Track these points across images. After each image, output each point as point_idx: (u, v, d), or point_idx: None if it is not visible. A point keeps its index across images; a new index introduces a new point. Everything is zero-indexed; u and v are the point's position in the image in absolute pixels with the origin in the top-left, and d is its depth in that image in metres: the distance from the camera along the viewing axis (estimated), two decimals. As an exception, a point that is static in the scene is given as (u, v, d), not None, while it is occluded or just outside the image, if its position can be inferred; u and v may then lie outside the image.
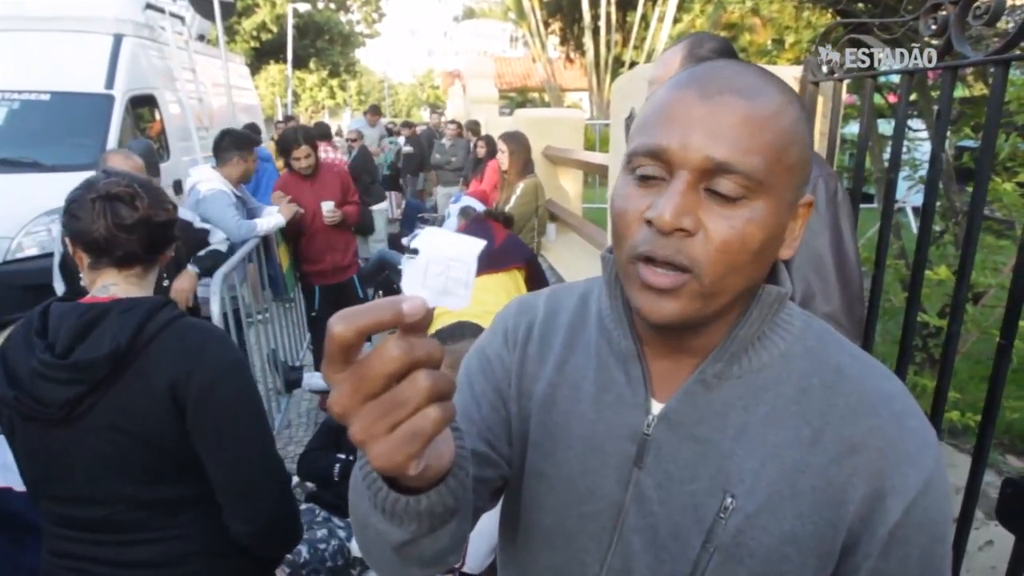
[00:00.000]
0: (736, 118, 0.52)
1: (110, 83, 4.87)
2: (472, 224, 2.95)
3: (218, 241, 2.92)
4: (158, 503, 1.11)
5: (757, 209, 0.53)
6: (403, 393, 0.37)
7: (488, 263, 2.55)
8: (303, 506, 2.13)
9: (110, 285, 1.14)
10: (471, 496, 0.56)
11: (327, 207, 3.59)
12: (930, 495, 0.56)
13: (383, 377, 0.37)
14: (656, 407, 0.62)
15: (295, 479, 2.43)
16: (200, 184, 3.17)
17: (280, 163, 7.10)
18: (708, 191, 0.53)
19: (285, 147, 3.58)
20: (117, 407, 1.05)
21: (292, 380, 3.52)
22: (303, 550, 1.88)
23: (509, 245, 2.78)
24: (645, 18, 14.01)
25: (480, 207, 3.68)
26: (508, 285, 2.73)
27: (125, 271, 1.15)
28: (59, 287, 2.49)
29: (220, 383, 1.09)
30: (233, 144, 3.32)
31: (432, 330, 1.78)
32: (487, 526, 1.48)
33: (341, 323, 0.36)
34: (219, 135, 3.43)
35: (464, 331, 1.71)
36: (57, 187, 1.62)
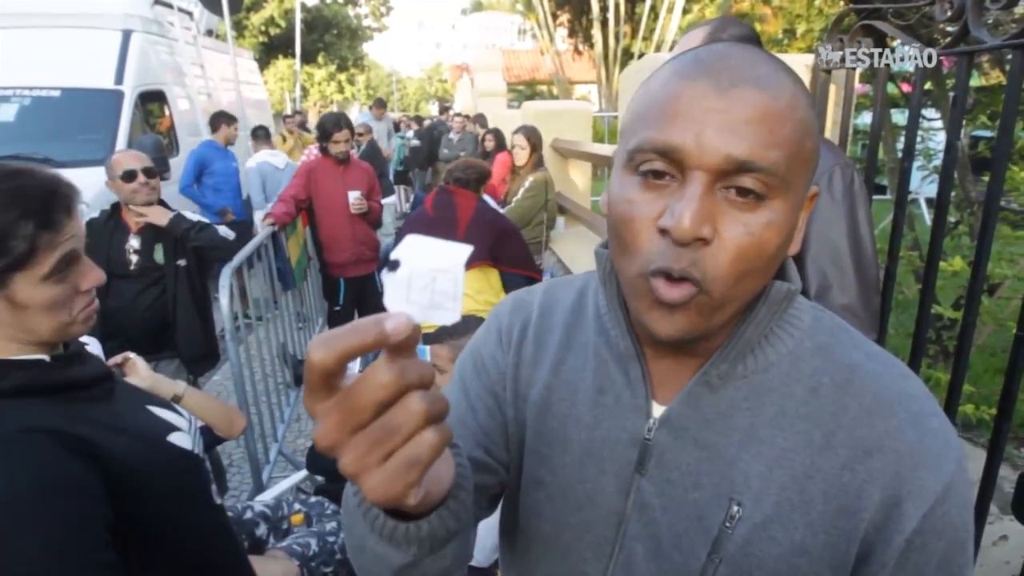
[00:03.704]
0: (754, 112, 0.47)
1: (119, 79, 4.91)
2: (438, 195, 2.89)
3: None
4: None
5: (776, 210, 0.49)
6: (395, 419, 0.35)
7: None
8: (312, 499, 2.13)
9: None
10: (472, 514, 0.53)
11: (353, 195, 3.64)
12: (950, 501, 0.51)
13: (373, 405, 0.34)
14: (657, 410, 0.59)
15: (304, 472, 2.45)
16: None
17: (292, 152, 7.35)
18: (724, 192, 0.49)
19: (326, 131, 3.63)
20: None
21: (301, 374, 3.54)
22: (312, 543, 1.88)
23: (472, 235, 2.62)
24: (654, 9, 13.90)
25: (490, 200, 3.66)
26: (480, 282, 2.69)
27: None
28: None
29: None
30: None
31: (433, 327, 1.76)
32: (494, 519, 1.47)
33: (320, 348, 0.34)
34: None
35: (469, 326, 1.70)
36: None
